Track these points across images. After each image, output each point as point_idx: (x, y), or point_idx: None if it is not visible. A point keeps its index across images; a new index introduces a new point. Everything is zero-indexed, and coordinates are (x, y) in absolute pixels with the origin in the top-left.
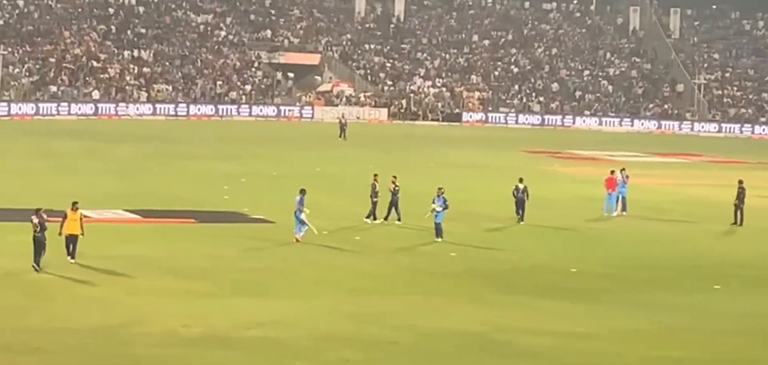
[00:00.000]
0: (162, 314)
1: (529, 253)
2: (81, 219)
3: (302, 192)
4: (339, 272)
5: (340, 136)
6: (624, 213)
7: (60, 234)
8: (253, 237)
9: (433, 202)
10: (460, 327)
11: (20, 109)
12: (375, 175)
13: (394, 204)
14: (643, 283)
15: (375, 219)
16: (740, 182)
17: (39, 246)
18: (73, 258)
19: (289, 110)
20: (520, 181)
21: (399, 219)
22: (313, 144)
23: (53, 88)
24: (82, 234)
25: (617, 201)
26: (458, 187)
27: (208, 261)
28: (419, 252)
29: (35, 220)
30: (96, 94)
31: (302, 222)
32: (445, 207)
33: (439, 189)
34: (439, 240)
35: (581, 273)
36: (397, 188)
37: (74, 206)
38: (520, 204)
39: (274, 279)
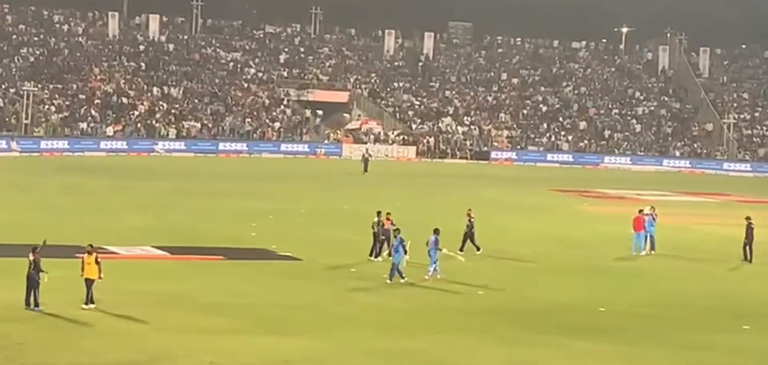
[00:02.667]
0: (191, 350)
1: (557, 292)
2: (97, 262)
3: (436, 231)
4: (367, 309)
5: (364, 172)
6: (652, 252)
7: (81, 276)
8: (281, 274)
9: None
10: None
11: (51, 145)
12: (378, 213)
13: (469, 237)
14: (672, 322)
15: (377, 256)
16: (748, 219)
17: (32, 283)
18: (91, 302)
19: (318, 147)
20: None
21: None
22: (341, 181)
23: (83, 125)
24: (100, 278)
25: (646, 240)
26: (487, 226)
27: (236, 297)
28: (446, 290)
29: (31, 257)
30: (125, 131)
31: (434, 262)
32: (404, 249)
33: (395, 229)
34: (390, 281)
35: (609, 313)
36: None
37: (90, 249)
38: (470, 238)
39: (303, 316)
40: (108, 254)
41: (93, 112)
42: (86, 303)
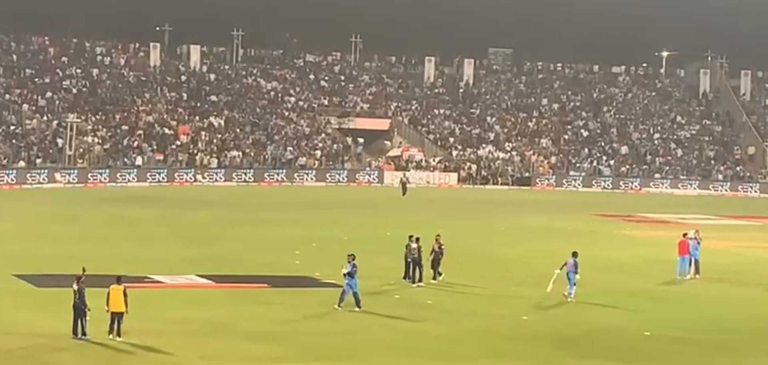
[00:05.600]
0: None
1: (602, 317)
2: (125, 294)
3: (574, 255)
4: (410, 336)
5: (403, 195)
6: (697, 276)
7: (107, 309)
8: (325, 301)
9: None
10: None
11: (94, 176)
12: (410, 237)
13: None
14: (718, 347)
15: (413, 280)
16: None
17: (78, 313)
18: (118, 335)
19: (359, 175)
20: (416, 239)
21: (433, 278)
22: (383, 207)
23: (126, 156)
24: (127, 312)
25: (690, 264)
26: (530, 252)
27: (281, 325)
28: (490, 316)
29: (75, 287)
30: (168, 161)
31: (573, 283)
32: (351, 275)
33: (350, 255)
34: (357, 309)
35: (655, 337)
36: (442, 247)
37: (119, 280)
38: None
39: (347, 343)
40: (152, 283)
41: (136, 143)
42: (111, 334)
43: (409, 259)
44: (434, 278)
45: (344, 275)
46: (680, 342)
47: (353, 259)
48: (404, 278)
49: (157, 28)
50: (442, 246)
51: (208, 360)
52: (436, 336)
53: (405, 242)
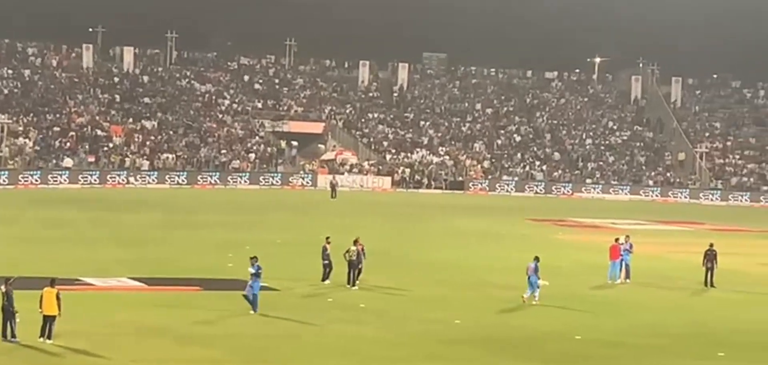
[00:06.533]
0: None
1: (534, 321)
2: (58, 297)
3: (536, 259)
4: (345, 339)
5: (331, 197)
6: (627, 280)
7: (40, 312)
8: (259, 304)
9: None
10: None
11: (25, 177)
12: (327, 238)
13: (355, 267)
14: (649, 350)
15: (326, 280)
16: (711, 245)
17: (7, 315)
18: (49, 338)
19: (293, 178)
20: (355, 242)
21: (348, 282)
22: (316, 211)
23: (57, 157)
24: (59, 315)
25: (621, 268)
26: (463, 256)
27: (214, 328)
28: (424, 320)
29: (3, 289)
30: (100, 163)
31: (535, 287)
32: (258, 277)
33: (252, 257)
34: (254, 313)
35: (586, 341)
36: (362, 250)
37: (52, 283)
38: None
39: (281, 346)
40: (84, 285)
41: (68, 145)
42: (43, 337)
43: (347, 261)
44: (349, 282)
45: (252, 276)
46: (611, 345)
47: (256, 261)
48: (322, 281)
49: (90, 30)
50: (363, 250)
51: (140, 363)
52: (370, 339)
53: (343, 246)
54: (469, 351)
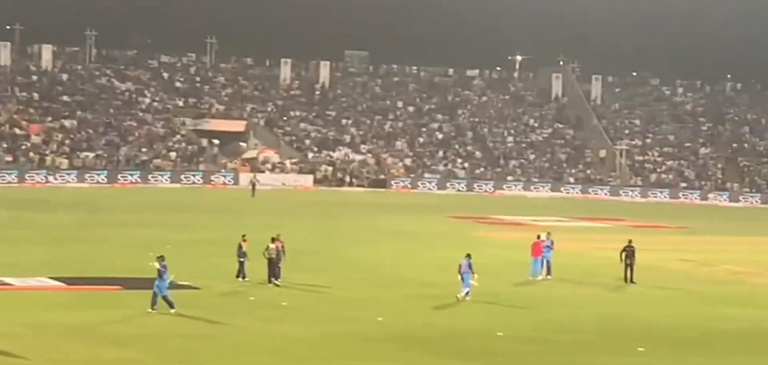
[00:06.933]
0: None
1: (456, 318)
2: None
3: (468, 256)
4: (267, 339)
5: (252, 195)
6: (549, 277)
7: None
8: (179, 303)
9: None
10: None
11: None
12: (243, 236)
13: (275, 264)
14: (570, 347)
15: (244, 278)
16: (630, 241)
17: None
18: None
19: (215, 176)
20: (273, 239)
21: (269, 281)
22: (238, 210)
23: None
24: None
25: (542, 265)
26: (385, 254)
27: (135, 328)
28: (346, 318)
29: None
30: (18, 162)
31: (467, 284)
32: (161, 276)
33: (160, 256)
34: (172, 311)
35: (508, 338)
36: (281, 248)
37: None
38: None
39: (202, 345)
40: (2, 286)
41: None
42: None
43: (266, 259)
44: (270, 280)
45: (158, 273)
46: (533, 342)
47: (162, 260)
48: (237, 277)
49: (8, 27)
50: (282, 247)
51: (60, 363)
52: (293, 338)
53: (264, 244)
54: (391, 349)
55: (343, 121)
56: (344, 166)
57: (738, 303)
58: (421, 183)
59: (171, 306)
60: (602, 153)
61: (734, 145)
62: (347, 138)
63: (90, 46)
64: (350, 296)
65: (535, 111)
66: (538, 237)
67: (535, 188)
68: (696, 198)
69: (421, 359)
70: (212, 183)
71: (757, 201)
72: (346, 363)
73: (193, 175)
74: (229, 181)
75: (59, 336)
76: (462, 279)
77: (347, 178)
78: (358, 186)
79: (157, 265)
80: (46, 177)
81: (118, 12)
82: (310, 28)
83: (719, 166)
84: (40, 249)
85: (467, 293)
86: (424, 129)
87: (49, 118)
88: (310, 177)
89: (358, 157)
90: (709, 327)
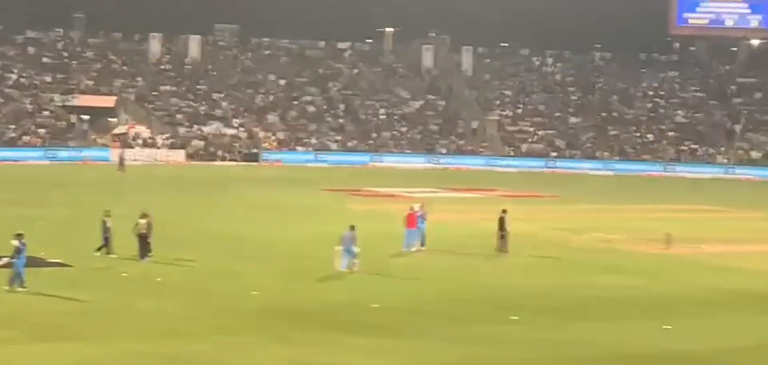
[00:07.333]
0: None
1: (331, 291)
2: None
3: (352, 228)
4: (140, 314)
5: (118, 169)
6: (423, 248)
7: None
8: (51, 281)
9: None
10: None
11: None
12: (107, 212)
13: (143, 240)
14: (444, 316)
15: (108, 253)
16: (504, 211)
17: None
18: None
19: (85, 152)
20: (144, 215)
21: (142, 257)
22: (107, 186)
23: None
24: None
25: (416, 236)
26: (260, 228)
27: (7, 306)
28: (220, 292)
29: None
30: None
31: (352, 256)
32: (19, 253)
33: (18, 234)
34: (20, 289)
35: (383, 309)
36: (150, 223)
37: None
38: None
39: (77, 322)
40: None
41: None
42: None
43: (136, 235)
44: (141, 256)
45: (15, 250)
46: (407, 312)
47: (21, 237)
48: (97, 251)
49: None
50: (151, 223)
51: None
52: (166, 313)
53: (133, 219)
54: (266, 322)
55: (215, 96)
56: (216, 141)
57: (610, 270)
58: (294, 157)
59: (22, 284)
60: (474, 123)
61: (603, 114)
62: (219, 112)
63: None
64: (224, 270)
65: (407, 83)
66: (412, 208)
67: (408, 160)
68: (567, 168)
69: (295, 332)
70: (83, 159)
71: (627, 170)
72: (221, 337)
73: (64, 151)
74: (100, 157)
75: None
76: (346, 251)
77: (219, 153)
78: (231, 160)
79: (16, 243)
80: None
81: None
82: (179, 2)
83: (589, 135)
84: None
85: (353, 264)
86: (296, 102)
87: None
88: (182, 152)
89: (230, 132)
90: (582, 294)
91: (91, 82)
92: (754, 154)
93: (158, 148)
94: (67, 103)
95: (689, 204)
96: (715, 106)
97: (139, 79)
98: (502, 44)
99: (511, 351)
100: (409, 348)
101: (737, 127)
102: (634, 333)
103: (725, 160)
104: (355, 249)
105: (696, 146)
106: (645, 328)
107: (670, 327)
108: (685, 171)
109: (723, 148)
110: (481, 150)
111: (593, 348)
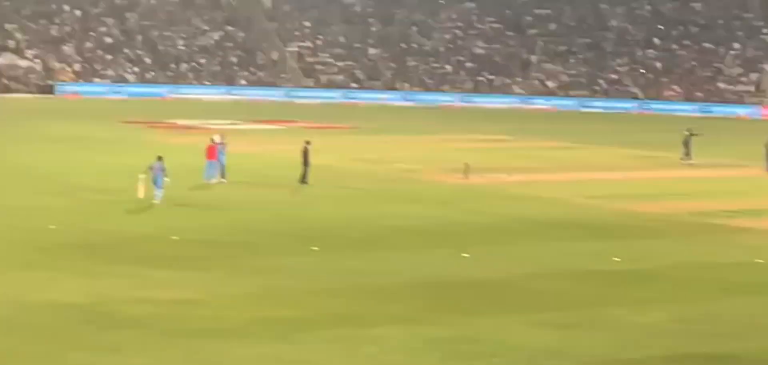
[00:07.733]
0: None
1: (130, 224)
2: None
3: (160, 159)
4: None
5: None
6: (223, 180)
7: None
8: None
9: None
10: (61, 299)
11: None
12: None
13: None
14: (245, 248)
15: None
16: (307, 143)
17: None
18: None
19: None
20: None
21: None
22: None
23: None
24: None
25: (217, 168)
26: (57, 161)
27: None
28: (17, 228)
29: None
30: None
31: (160, 187)
32: None
33: None
34: None
35: (183, 242)
36: None
37: None
38: None
39: None
40: None
41: None
42: None
43: None
44: None
45: None
46: (206, 245)
47: None
48: None
49: None
50: None
51: None
52: None
53: None
54: (65, 256)
55: (7, 26)
56: (9, 73)
57: (410, 200)
58: (91, 89)
59: None
60: (274, 55)
61: (403, 45)
62: (12, 43)
63: None
64: (19, 205)
65: (206, 13)
66: (212, 140)
67: (207, 92)
68: (367, 99)
69: (95, 265)
70: None
71: (426, 101)
72: (19, 273)
73: None
74: None
75: None
76: (155, 182)
77: (12, 85)
78: (26, 93)
79: None
80: None
81: None
82: None
83: (390, 66)
84: None
85: (158, 195)
86: (92, 33)
87: None
88: None
89: (24, 63)
90: (383, 224)
91: None
92: (550, 84)
93: None
94: None
95: (487, 134)
96: (511, 37)
97: None
98: None
99: (311, 281)
100: (209, 280)
101: (533, 58)
102: (434, 261)
103: (522, 91)
104: (166, 180)
105: (493, 77)
106: (444, 256)
107: (468, 255)
108: (483, 101)
109: (519, 79)
110: (281, 81)
111: (393, 277)
